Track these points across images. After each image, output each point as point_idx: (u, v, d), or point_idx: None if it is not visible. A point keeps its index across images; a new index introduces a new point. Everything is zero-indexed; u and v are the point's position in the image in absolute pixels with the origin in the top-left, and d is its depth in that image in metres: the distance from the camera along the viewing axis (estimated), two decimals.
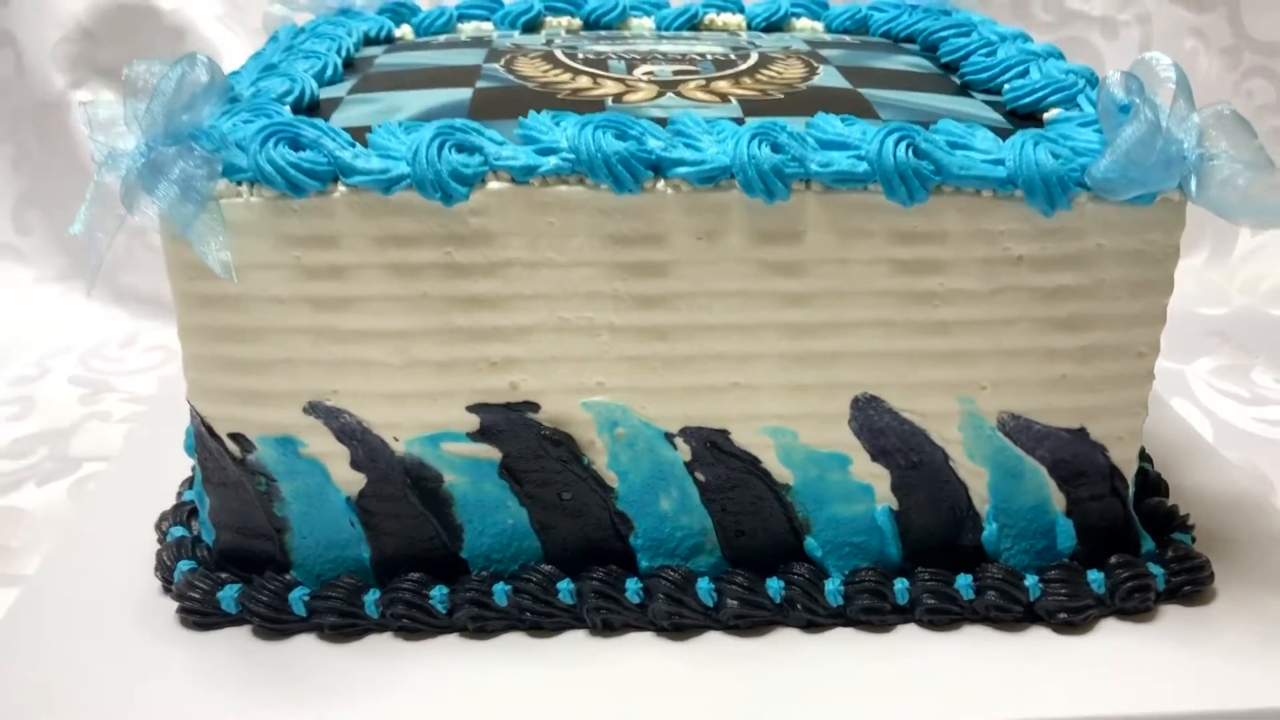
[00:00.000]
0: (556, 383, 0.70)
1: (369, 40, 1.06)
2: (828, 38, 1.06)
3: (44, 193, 1.47)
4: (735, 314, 0.68)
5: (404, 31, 1.13)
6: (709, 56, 0.93)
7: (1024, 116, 0.79)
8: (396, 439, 0.71)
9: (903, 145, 0.65)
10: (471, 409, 0.70)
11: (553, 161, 0.65)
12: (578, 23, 1.15)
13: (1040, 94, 0.79)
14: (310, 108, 0.78)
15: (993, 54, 0.93)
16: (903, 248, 0.67)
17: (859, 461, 0.72)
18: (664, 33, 1.06)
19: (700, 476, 0.73)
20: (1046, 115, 0.78)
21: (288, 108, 0.76)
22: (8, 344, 1.38)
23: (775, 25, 1.12)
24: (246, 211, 0.65)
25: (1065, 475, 0.74)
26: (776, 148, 0.65)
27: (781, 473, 0.73)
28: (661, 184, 0.65)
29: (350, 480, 0.72)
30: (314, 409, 0.70)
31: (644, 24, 1.15)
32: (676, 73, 0.87)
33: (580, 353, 0.69)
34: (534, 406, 0.71)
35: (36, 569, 0.81)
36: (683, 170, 0.65)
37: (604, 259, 0.67)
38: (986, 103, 0.83)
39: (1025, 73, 0.86)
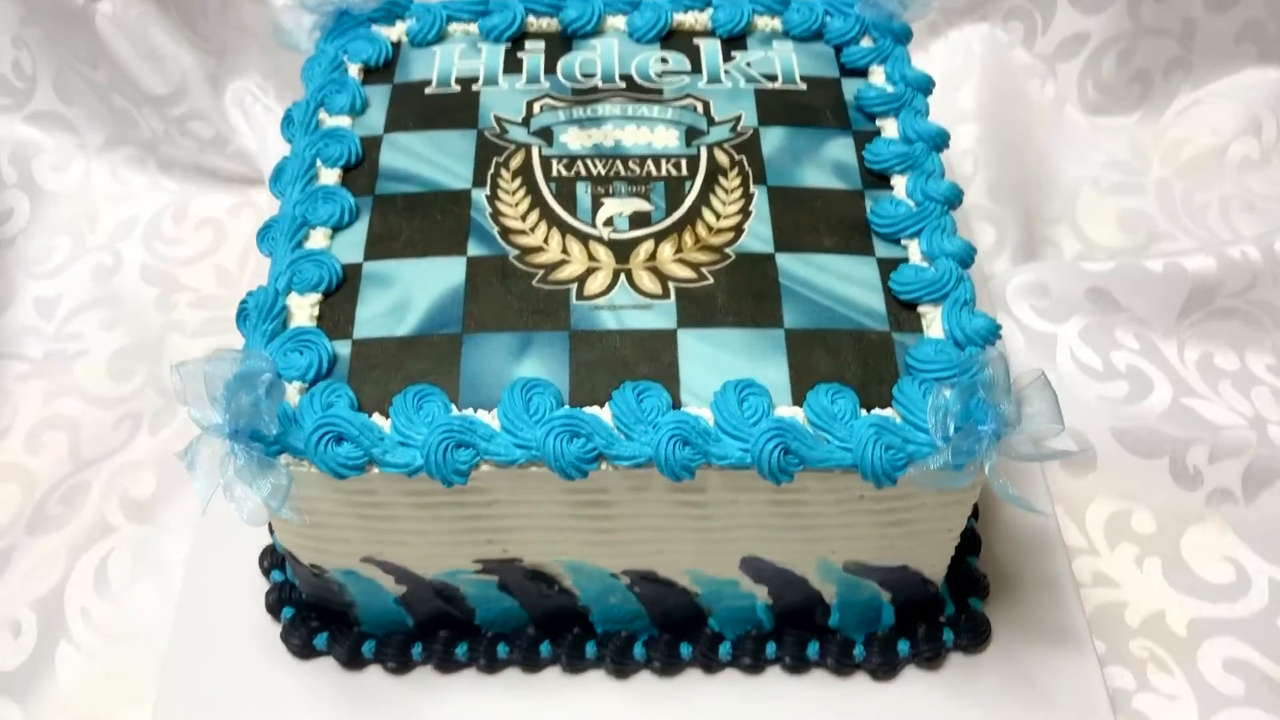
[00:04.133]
0: (534, 550, 1.00)
1: (368, 71, 1.21)
2: (778, 68, 1.19)
3: (77, 70, 1.60)
4: (659, 523, 0.97)
5: (398, 32, 1.26)
6: (664, 166, 1.09)
7: (905, 305, 1.00)
8: (427, 573, 1.03)
9: (777, 451, 0.89)
10: (476, 561, 1.01)
11: (526, 455, 0.90)
12: (557, 25, 1.27)
13: (919, 294, 0.99)
14: (339, 285, 1.00)
15: (907, 165, 1.10)
16: (777, 494, 0.93)
17: (745, 583, 1.04)
18: (633, 74, 1.19)
19: (636, 590, 1.05)
20: (923, 310, 0.99)
21: (318, 301, 0.99)
22: (75, 217, 1.59)
23: (738, 35, 1.25)
24: (308, 475, 0.91)
25: (890, 585, 1.05)
26: (687, 442, 0.90)
27: (692, 589, 1.05)
28: (605, 465, 0.91)
29: (396, 589, 1.05)
30: (368, 560, 1.01)
31: (618, 24, 1.27)
32: (633, 217, 1.06)
33: (550, 538, 0.99)
34: (519, 560, 1.01)
35: (181, 585, 1.15)
36: (619, 461, 0.90)
37: (565, 499, 0.94)
38: (885, 260, 1.03)
39: (920, 233, 1.04)
